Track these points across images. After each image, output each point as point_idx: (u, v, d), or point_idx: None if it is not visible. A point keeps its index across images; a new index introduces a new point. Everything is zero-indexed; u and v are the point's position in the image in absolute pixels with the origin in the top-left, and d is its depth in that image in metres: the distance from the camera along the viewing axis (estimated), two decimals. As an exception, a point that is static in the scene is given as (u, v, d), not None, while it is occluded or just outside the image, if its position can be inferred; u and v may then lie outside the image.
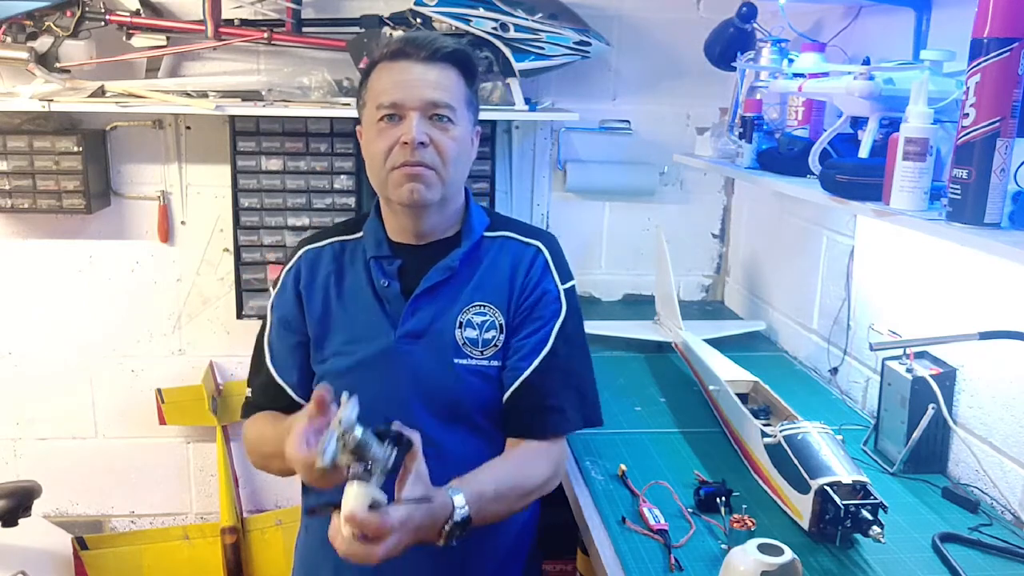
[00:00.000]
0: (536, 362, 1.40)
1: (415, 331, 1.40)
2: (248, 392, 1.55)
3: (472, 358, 1.40)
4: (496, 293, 1.43)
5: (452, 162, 1.37)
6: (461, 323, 1.40)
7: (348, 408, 1.09)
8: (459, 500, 1.21)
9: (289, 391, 1.47)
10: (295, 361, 1.47)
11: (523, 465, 1.37)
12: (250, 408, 1.53)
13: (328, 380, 1.38)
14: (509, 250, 1.47)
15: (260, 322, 1.57)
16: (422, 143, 1.33)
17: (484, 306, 1.42)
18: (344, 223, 1.56)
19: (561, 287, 1.46)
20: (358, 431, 1.07)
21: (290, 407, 1.45)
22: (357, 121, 1.47)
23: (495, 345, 1.41)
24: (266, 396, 1.49)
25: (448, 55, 1.37)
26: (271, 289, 1.53)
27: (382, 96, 1.36)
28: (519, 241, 1.48)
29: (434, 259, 1.43)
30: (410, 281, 1.42)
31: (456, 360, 1.39)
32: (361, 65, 2.30)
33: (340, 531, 1.10)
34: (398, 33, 2.37)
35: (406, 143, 1.33)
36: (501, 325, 1.42)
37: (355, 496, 1.08)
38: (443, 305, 1.41)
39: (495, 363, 1.41)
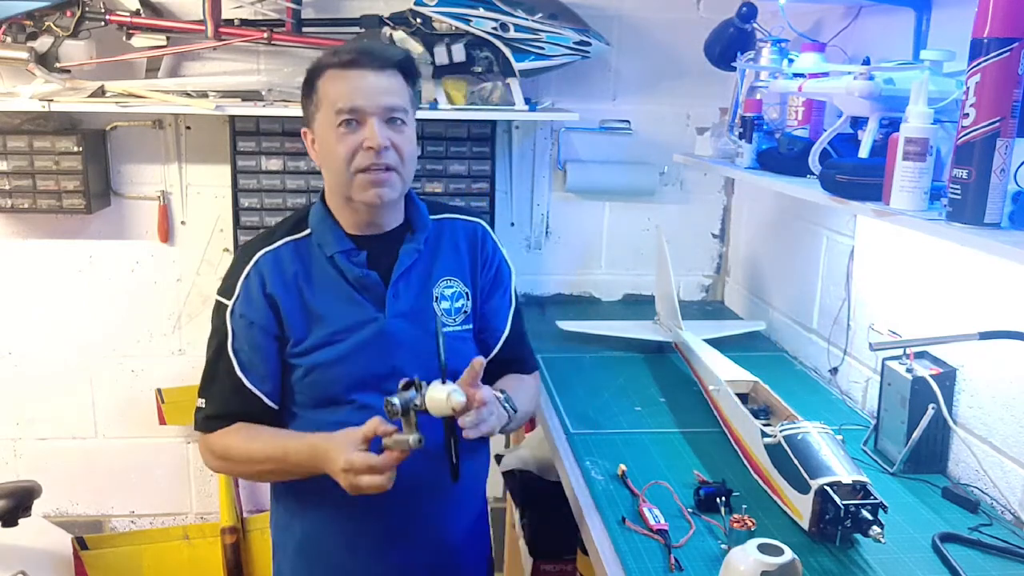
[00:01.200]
0: (509, 320, 1.67)
1: (403, 311, 1.53)
2: (201, 404, 1.54)
3: (449, 326, 1.57)
4: (458, 267, 1.61)
5: (408, 160, 1.51)
6: (436, 297, 1.57)
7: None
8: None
9: (264, 399, 1.51)
10: (268, 368, 1.51)
11: (523, 383, 1.66)
12: (214, 420, 1.52)
13: (321, 370, 1.50)
14: (459, 229, 1.64)
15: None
16: (386, 147, 1.45)
17: (451, 280, 1.59)
18: (287, 223, 1.59)
19: (504, 253, 1.70)
20: (395, 399, 1.31)
21: (261, 414, 1.51)
22: (302, 123, 1.55)
23: (465, 312, 1.60)
24: (233, 406, 1.51)
25: (396, 63, 1.49)
26: (222, 299, 1.52)
27: (341, 101, 1.45)
28: (464, 221, 1.66)
29: (392, 246, 1.55)
30: (378, 268, 1.53)
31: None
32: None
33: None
34: (399, 34, 2.38)
35: (371, 147, 1.44)
36: (467, 294, 1.61)
37: (443, 401, 1.30)
38: (418, 285, 1.56)
39: (467, 327, 1.61)
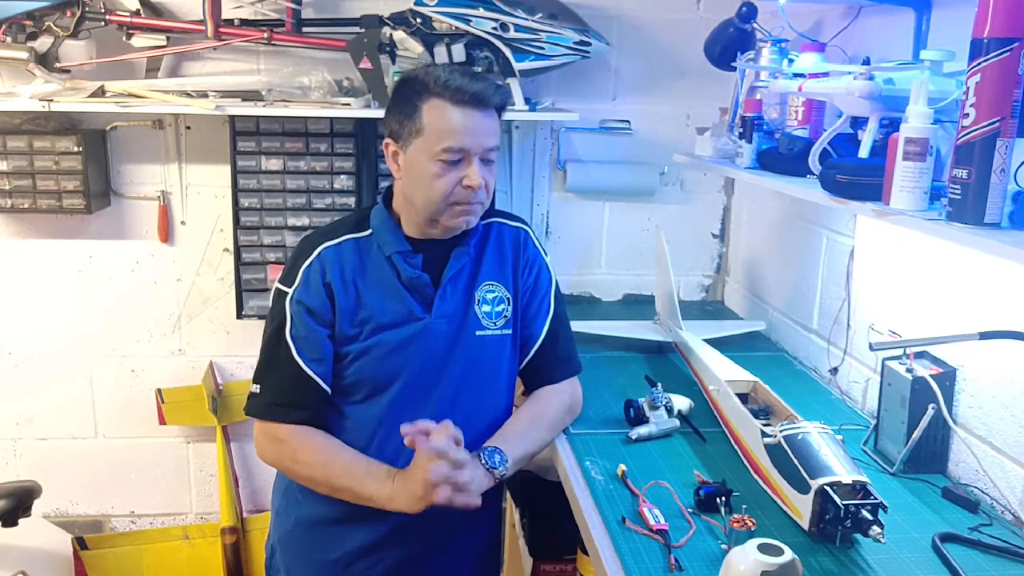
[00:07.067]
0: (547, 325, 1.73)
1: (446, 313, 1.62)
2: (256, 389, 1.60)
3: (488, 329, 1.65)
4: (501, 272, 1.69)
5: (491, 192, 1.61)
6: (478, 300, 1.65)
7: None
8: (496, 455, 1.57)
9: (320, 382, 1.57)
10: (323, 352, 1.57)
11: (545, 405, 1.73)
12: (275, 408, 1.58)
13: (370, 361, 1.59)
14: (503, 234, 1.72)
15: (263, 321, 1.64)
16: (483, 186, 1.55)
17: (493, 284, 1.67)
18: (348, 222, 1.67)
19: (545, 259, 1.77)
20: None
21: (317, 398, 1.57)
22: (380, 135, 1.67)
23: (505, 316, 1.68)
24: (291, 391, 1.57)
25: (499, 105, 1.58)
26: (283, 287, 1.59)
27: (450, 139, 1.51)
28: (508, 225, 1.74)
29: (446, 251, 1.63)
30: (431, 270, 1.61)
31: (477, 332, 1.64)
32: (361, 64, 2.33)
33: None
34: (399, 34, 2.37)
35: (470, 187, 1.53)
36: (508, 298, 1.69)
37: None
38: (463, 288, 1.64)
39: (507, 331, 1.68)
